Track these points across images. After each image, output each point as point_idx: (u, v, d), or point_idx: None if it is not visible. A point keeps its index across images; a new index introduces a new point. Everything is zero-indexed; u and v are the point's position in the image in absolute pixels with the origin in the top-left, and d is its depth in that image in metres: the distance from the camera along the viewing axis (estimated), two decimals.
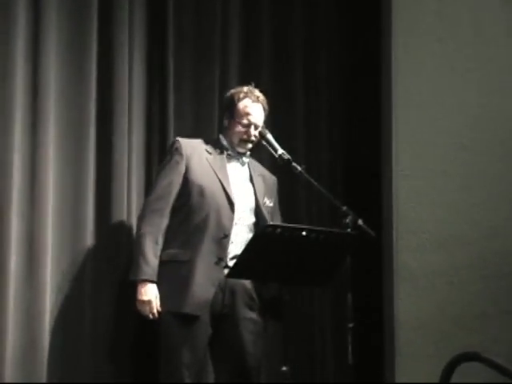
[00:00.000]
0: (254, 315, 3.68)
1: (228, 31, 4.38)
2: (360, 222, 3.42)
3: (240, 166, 3.84)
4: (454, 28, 4.47)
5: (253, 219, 3.77)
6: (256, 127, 3.79)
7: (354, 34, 4.68)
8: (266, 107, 3.85)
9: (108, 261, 3.90)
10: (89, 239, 3.88)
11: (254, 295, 3.69)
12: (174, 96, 4.16)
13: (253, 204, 3.78)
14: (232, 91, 3.87)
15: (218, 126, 4.17)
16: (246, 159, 3.85)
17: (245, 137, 3.78)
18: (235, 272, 3.41)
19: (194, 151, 3.75)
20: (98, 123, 3.94)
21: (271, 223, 3.48)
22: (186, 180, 3.70)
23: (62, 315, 3.80)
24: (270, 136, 3.73)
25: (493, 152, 4.44)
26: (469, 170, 4.43)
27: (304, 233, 3.29)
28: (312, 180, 3.61)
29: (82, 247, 3.86)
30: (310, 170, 3.67)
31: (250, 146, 3.82)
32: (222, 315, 3.65)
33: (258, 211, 3.78)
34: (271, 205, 3.84)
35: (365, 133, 4.60)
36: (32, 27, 3.80)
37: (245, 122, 3.78)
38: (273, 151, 3.71)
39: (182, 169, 3.70)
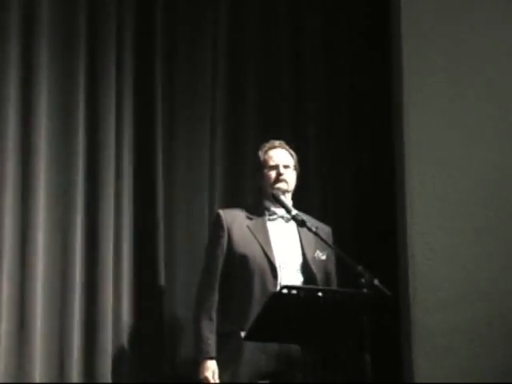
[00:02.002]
0: (308, 378, 3.75)
1: (217, 83, 4.49)
2: (376, 281, 3.41)
3: (284, 223, 3.87)
4: (464, 86, 4.49)
5: (301, 279, 3.80)
6: (285, 166, 3.90)
7: (364, 93, 4.73)
8: (292, 152, 3.98)
9: (96, 325, 3.98)
10: (77, 304, 3.95)
11: (308, 357, 3.74)
12: (163, 155, 4.27)
13: (300, 262, 3.82)
14: (258, 153, 3.99)
15: (210, 179, 4.32)
16: (289, 215, 3.86)
17: (276, 176, 3.88)
18: (252, 335, 3.40)
19: (234, 220, 3.84)
20: (85, 187, 4.06)
21: (286, 284, 3.48)
22: (230, 251, 3.80)
23: (52, 379, 3.85)
24: (283, 197, 3.77)
25: (507, 207, 4.43)
26: (484, 226, 4.40)
27: (320, 293, 3.30)
28: (326, 240, 3.61)
29: (70, 311, 3.93)
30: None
31: (286, 186, 3.89)
32: (276, 378, 3.70)
33: (306, 269, 3.82)
34: (324, 258, 3.87)
35: (379, 191, 4.61)
36: (23, 90, 3.96)
37: (271, 163, 3.91)
38: (286, 212, 3.73)
39: (225, 241, 3.80)
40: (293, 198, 3.95)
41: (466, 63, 4.52)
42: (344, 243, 4.29)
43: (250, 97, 4.57)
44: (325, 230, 3.94)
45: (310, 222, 3.86)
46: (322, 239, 3.61)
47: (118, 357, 4.03)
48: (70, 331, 3.92)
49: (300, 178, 4.52)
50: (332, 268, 3.94)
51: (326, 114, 4.70)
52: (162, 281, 4.20)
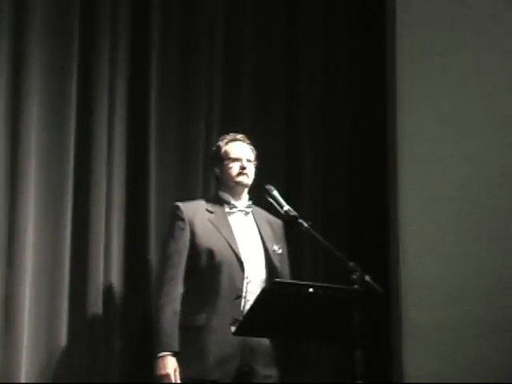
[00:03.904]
0: (271, 372, 3.71)
1: (212, 79, 4.46)
2: (367, 277, 3.40)
3: (243, 216, 3.86)
4: (459, 81, 4.50)
5: (264, 272, 3.78)
6: (248, 160, 3.86)
7: (357, 86, 4.74)
8: (253, 148, 3.93)
9: (82, 324, 3.96)
10: (64, 301, 3.93)
11: (272, 352, 3.72)
12: (155, 150, 4.23)
13: (263, 256, 3.79)
14: (216, 144, 3.95)
15: (204, 178, 4.29)
16: (248, 209, 3.87)
17: (240, 170, 3.83)
18: (242, 330, 3.39)
19: (195, 214, 3.78)
20: (75, 190, 4.03)
21: (278, 280, 3.47)
22: (193, 245, 3.73)
23: (37, 375, 3.84)
24: (275, 192, 3.75)
25: (499, 204, 4.43)
26: (475, 223, 4.41)
27: (311, 289, 3.29)
28: (319, 236, 3.60)
29: (57, 310, 3.91)
30: (315, 226, 3.67)
31: (247, 180, 3.85)
32: (242, 373, 3.65)
33: (269, 263, 3.79)
34: (280, 251, 3.85)
35: (371, 187, 4.61)
36: (13, 79, 3.90)
37: (233, 156, 3.85)
38: (279, 207, 3.71)
39: (187, 234, 3.74)
40: (249, 193, 3.93)
41: (459, 59, 4.52)
42: (335, 239, 4.30)
43: (244, 87, 4.56)
44: (278, 223, 3.92)
45: (262, 214, 3.91)
46: (315, 234, 3.59)
47: (108, 333, 4.02)
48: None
49: (292, 173, 4.55)
50: (286, 265, 3.90)
51: (320, 106, 4.69)
52: (153, 256, 4.17)
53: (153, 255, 4.16)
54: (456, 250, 4.39)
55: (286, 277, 3.83)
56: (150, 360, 3.94)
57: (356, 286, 3.37)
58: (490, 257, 4.39)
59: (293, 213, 3.65)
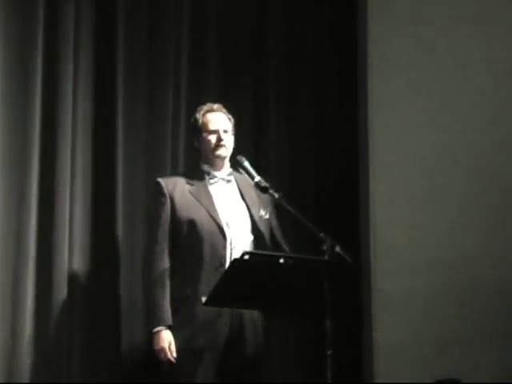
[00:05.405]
0: (260, 337, 3.76)
1: (179, 50, 4.41)
2: (337, 248, 3.42)
3: (225, 184, 3.86)
4: (430, 53, 4.51)
5: (251, 238, 3.80)
6: (225, 131, 3.86)
7: (328, 59, 4.72)
8: (230, 117, 3.92)
9: (46, 310, 3.93)
10: (31, 263, 3.90)
11: (260, 318, 3.76)
12: (123, 122, 4.21)
13: (248, 222, 3.81)
14: (194, 116, 3.93)
15: (172, 152, 4.28)
16: (229, 176, 3.87)
17: (217, 142, 3.83)
18: (213, 300, 3.40)
19: (175, 187, 3.80)
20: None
21: (248, 251, 3.47)
22: (175, 218, 3.76)
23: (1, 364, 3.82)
24: (247, 163, 3.74)
25: (469, 178, 4.46)
26: (445, 196, 4.45)
27: (281, 260, 3.30)
28: (289, 207, 3.60)
29: (24, 269, 3.89)
30: (286, 197, 3.67)
31: (225, 152, 3.85)
32: (231, 342, 3.69)
33: (254, 227, 3.81)
34: (267, 216, 3.86)
35: (341, 159, 4.62)
36: None
37: (211, 127, 3.85)
38: (250, 178, 3.72)
39: (168, 208, 3.76)
40: (230, 161, 3.92)
41: (432, 28, 4.53)
42: (306, 210, 4.31)
43: (211, 61, 4.52)
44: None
45: (246, 180, 3.85)
46: (286, 205, 3.59)
47: (71, 317, 4.00)
48: (23, 289, 3.88)
49: (261, 142, 4.54)
50: (275, 223, 3.92)
51: (288, 77, 4.65)
52: (120, 232, 4.16)
53: (120, 233, 4.15)
54: (426, 222, 4.42)
55: (273, 239, 3.85)
56: (118, 345, 3.96)
57: (326, 257, 3.38)
58: (460, 228, 4.43)
59: (263, 184, 3.65)
